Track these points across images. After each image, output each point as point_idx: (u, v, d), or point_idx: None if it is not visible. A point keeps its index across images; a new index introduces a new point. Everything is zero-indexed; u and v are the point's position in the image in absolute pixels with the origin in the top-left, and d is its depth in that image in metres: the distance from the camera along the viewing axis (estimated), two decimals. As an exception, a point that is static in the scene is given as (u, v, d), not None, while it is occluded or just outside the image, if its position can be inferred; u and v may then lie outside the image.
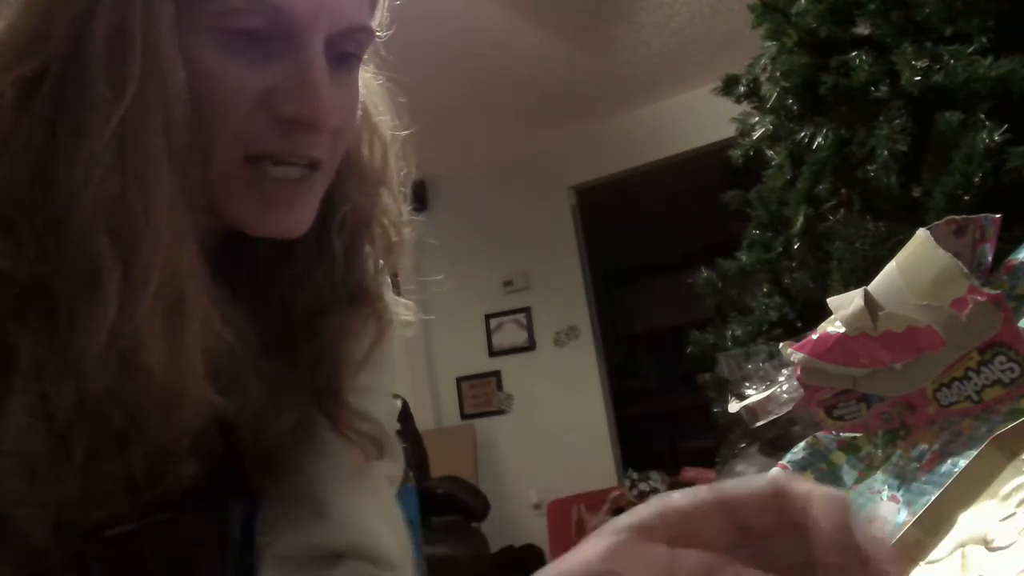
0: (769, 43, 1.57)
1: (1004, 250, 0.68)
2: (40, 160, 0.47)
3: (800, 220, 1.45)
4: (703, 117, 3.49)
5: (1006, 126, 1.15)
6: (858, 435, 0.68)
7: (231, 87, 0.50)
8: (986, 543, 0.44)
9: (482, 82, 3.94)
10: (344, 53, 0.54)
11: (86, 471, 0.48)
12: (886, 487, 0.63)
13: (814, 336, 0.67)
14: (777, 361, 0.86)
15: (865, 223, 1.30)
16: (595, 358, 4.75)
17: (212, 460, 0.54)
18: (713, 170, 2.58)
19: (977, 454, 0.48)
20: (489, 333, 4.99)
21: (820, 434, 0.70)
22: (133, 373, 0.47)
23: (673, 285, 4.33)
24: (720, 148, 2.03)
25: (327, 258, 0.60)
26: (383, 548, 0.58)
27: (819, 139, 1.40)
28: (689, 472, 3.07)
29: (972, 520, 0.46)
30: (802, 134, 1.44)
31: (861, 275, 1.22)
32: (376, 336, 0.62)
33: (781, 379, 0.83)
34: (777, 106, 1.52)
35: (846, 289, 0.77)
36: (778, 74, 1.49)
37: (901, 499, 0.61)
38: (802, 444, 0.69)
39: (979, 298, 0.57)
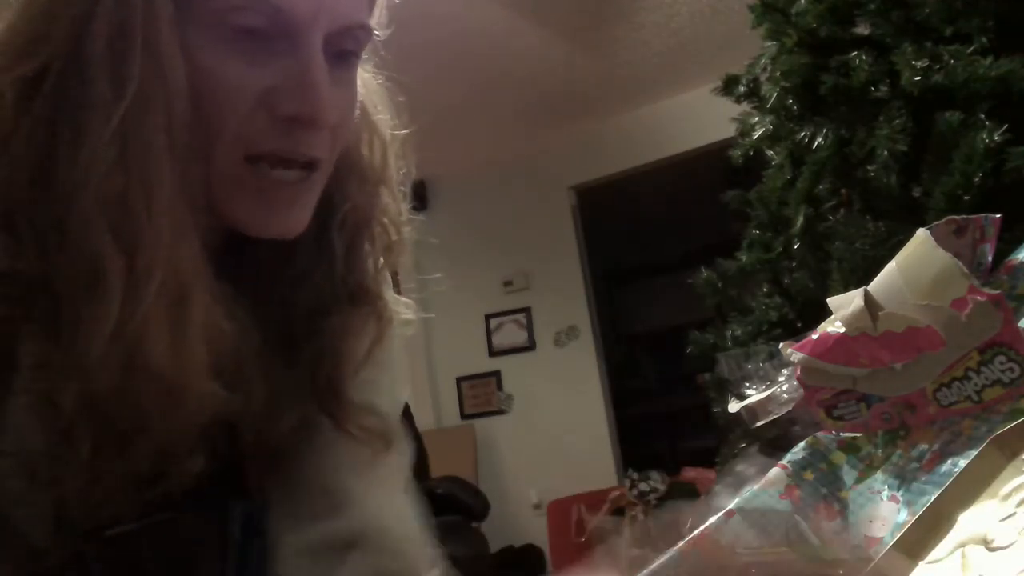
0: (769, 43, 1.57)
1: (1004, 250, 0.68)
2: (41, 160, 0.47)
3: (800, 220, 1.45)
4: (703, 117, 3.49)
5: (1006, 126, 1.15)
6: (858, 435, 0.68)
7: (232, 86, 0.50)
8: (986, 543, 0.44)
9: (482, 82, 3.94)
10: (343, 51, 0.54)
11: (90, 469, 0.48)
12: (886, 487, 0.63)
13: (814, 336, 0.67)
14: (777, 361, 0.86)
15: (865, 223, 1.30)
16: (595, 358, 4.75)
17: (215, 459, 0.54)
18: (713, 170, 2.58)
19: (977, 454, 0.48)
20: (489, 333, 4.99)
21: (820, 434, 0.70)
22: (137, 369, 0.47)
23: (673, 285, 4.33)
24: (720, 148, 2.04)
25: (327, 258, 0.60)
26: (397, 535, 0.59)
27: (819, 139, 1.41)
28: (689, 472, 3.06)
29: (972, 520, 0.46)
30: (802, 134, 1.44)
31: (861, 275, 1.22)
32: (377, 335, 0.62)
33: (781, 379, 0.83)
34: (777, 106, 1.52)
35: (846, 289, 0.77)
36: (778, 74, 1.50)
37: (901, 499, 0.61)
38: (802, 444, 0.69)
39: (979, 298, 0.57)
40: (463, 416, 4.99)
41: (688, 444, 5.39)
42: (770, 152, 1.60)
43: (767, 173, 1.62)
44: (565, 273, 4.82)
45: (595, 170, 4.77)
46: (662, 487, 2.91)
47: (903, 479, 0.62)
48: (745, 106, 1.75)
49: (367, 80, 0.63)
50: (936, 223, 0.63)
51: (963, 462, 0.54)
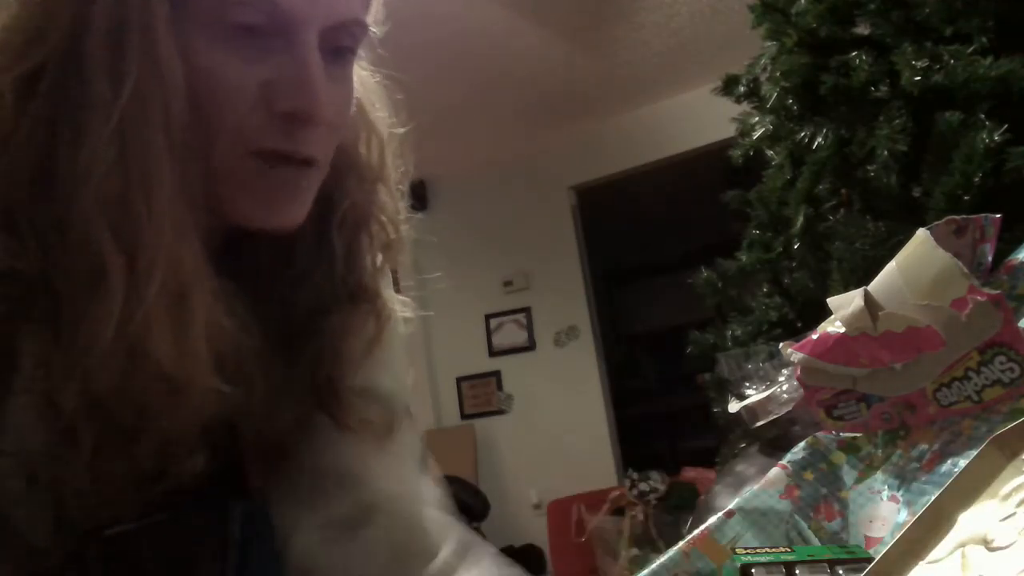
0: (769, 43, 1.57)
1: (1004, 250, 0.68)
2: (41, 159, 0.48)
3: (800, 220, 1.45)
4: (703, 117, 3.49)
5: (1006, 126, 1.15)
6: (858, 435, 0.68)
7: (229, 83, 0.50)
8: (986, 543, 0.44)
9: (482, 82, 3.94)
10: (339, 47, 0.54)
11: (91, 469, 0.48)
12: (886, 487, 0.63)
13: (814, 336, 0.67)
14: (777, 361, 0.86)
15: (865, 223, 1.30)
16: (595, 358, 4.75)
17: (215, 458, 0.54)
18: (713, 170, 2.58)
19: (977, 454, 0.48)
20: (489, 333, 4.99)
21: (820, 434, 0.70)
22: (139, 368, 0.47)
23: (673, 285, 4.32)
24: (720, 148, 2.03)
25: (327, 256, 0.60)
26: (409, 507, 0.59)
27: (819, 139, 1.41)
28: (689, 472, 3.06)
29: (972, 520, 0.46)
30: (802, 134, 1.44)
31: (861, 275, 1.22)
32: (376, 333, 0.62)
33: (781, 379, 0.83)
34: (777, 106, 1.52)
35: (846, 289, 0.77)
36: (778, 74, 1.50)
37: (901, 499, 0.61)
38: (802, 444, 0.69)
39: (979, 298, 0.57)
40: (463, 416, 4.99)
41: (688, 444, 5.39)
42: (770, 152, 1.60)
43: (767, 173, 1.61)
44: (565, 273, 4.82)
45: (595, 170, 4.76)
46: (662, 487, 2.91)
47: (903, 479, 0.62)
48: (745, 106, 1.75)
49: (364, 78, 0.63)
50: (936, 223, 0.63)
51: (963, 462, 0.54)
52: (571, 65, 3.91)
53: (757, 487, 0.67)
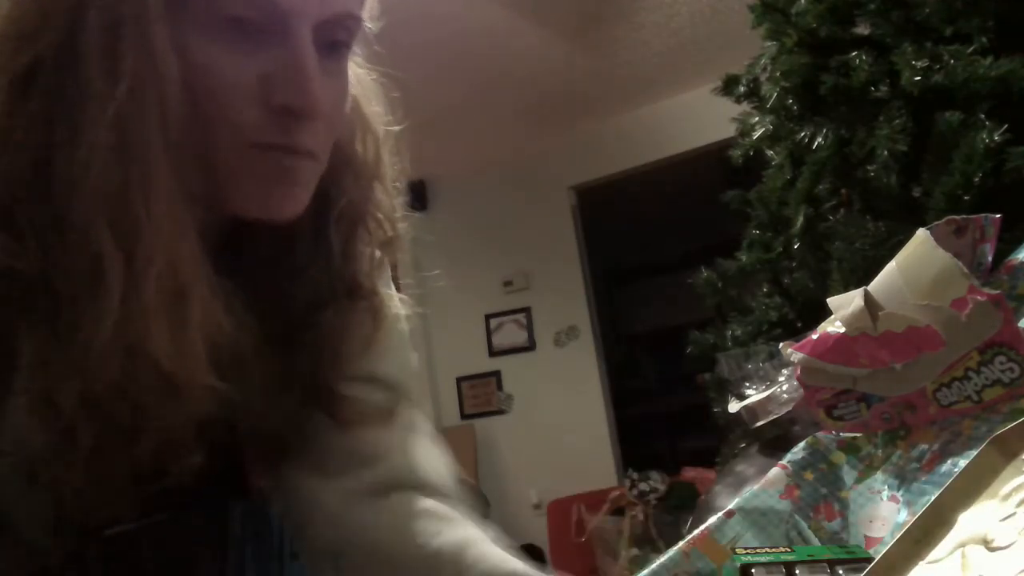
0: (769, 43, 1.57)
1: (1004, 250, 0.68)
2: (38, 156, 0.47)
3: (800, 220, 1.45)
4: (703, 117, 3.49)
5: (1006, 126, 1.15)
6: (858, 435, 0.68)
7: (224, 77, 0.50)
8: (986, 543, 0.44)
9: (482, 82, 3.94)
10: (334, 41, 0.54)
11: (90, 468, 0.48)
12: (886, 487, 0.63)
13: (814, 336, 0.67)
14: (777, 361, 0.86)
15: (865, 223, 1.30)
16: (595, 358, 4.75)
17: (214, 457, 0.54)
18: (713, 170, 2.58)
19: (977, 454, 0.48)
20: (489, 333, 4.99)
21: (820, 434, 0.70)
22: (138, 363, 0.47)
23: (673, 285, 4.32)
24: (720, 148, 2.03)
25: (324, 252, 0.60)
26: (432, 478, 0.59)
27: (819, 139, 1.40)
28: (689, 472, 3.06)
29: (972, 520, 0.46)
30: (802, 134, 1.44)
31: (861, 275, 1.22)
32: (373, 330, 0.62)
33: (781, 379, 0.83)
34: (777, 106, 1.52)
35: (846, 289, 0.77)
36: (778, 74, 1.49)
37: (901, 499, 0.61)
38: (802, 444, 0.69)
39: (979, 298, 0.57)
40: (463, 416, 4.98)
41: (688, 444, 5.38)
42: (770, 152, 1.60)
43: (767, 173, 1.61)
44: (565, 273, 4.81)
45: (595, 170, 4.76)
46: (662, 487, 2.91)
47: (903, 479, 0.62)
48: (745, 106, 1.74)
49: (360, 76, 0.63)
50: (936, 223, 0.64)
51: (963, 462, 0.54)
52: (571, 65, 3.91)
53: (757, 487, 0.67)
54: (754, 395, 0.85)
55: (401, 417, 0.62)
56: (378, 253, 0.65)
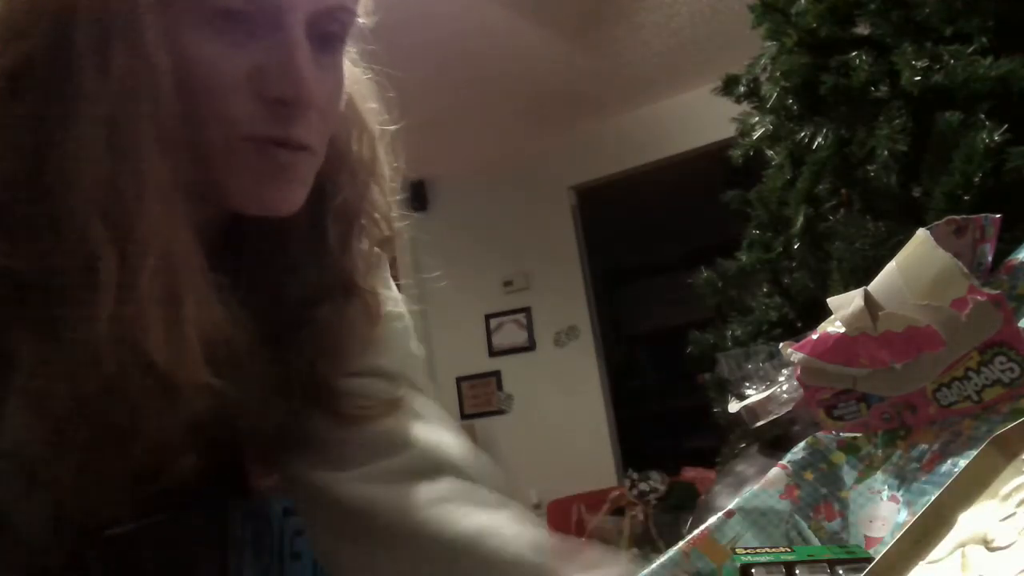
0: (769, 43, 1.57)
1: (1004, 250, 0.68)
2: (31, 153, 0.47)
3: (800, 220, 1.45)
4: (703, 117, 3.49)
5: (1006, 126, 1.15)
6: (858, 435, 0.68)
7: (217, 70, 0.50)
8: (986, 543, 0.44)
9: (482, 82, 3.94)
10: (327, 33, 0.54)
11: (88, 467, 0.48)
12: (886, 487, 0.63)
13: (814, 336, 0.67)
14: (777, 361, 0.86)
15: (865, 223, 1.30)
16: (595, 358, 4.75)
17: (213, 455, 0.53)
18: (713, 170, 2.57)
19: (977, 454, 0.48)
20: (489, 333, 4.99)
21: (820, 434, 0.70)
22: (133, 361, 0.47)
23: (673, 285, 4.32)
24: (720, 148, 2.03)
25: (320, 250, 0.60)
26: (448, 458, 0.59)
27: (819, 139, 1.40)
28: (689, 472, 3.07)
29: (972, 520, 0.46)
30: (802, 134, 1.44)
31: (861, 275, 1.21)
32: (368, 328, 0.62)
33: (781, 379, 0.83)
34: (777, 106, 1.52)
35: (846, 289, 0.77)
36: (778, 74, 1.49)
37: (901, 499, 0.61)
38: (802, 444, 0.69)
39: (979, 298, 0.57)
40: (463, 416, 4.98)
41: (688, 444, 5.38)
42: (770, 152, 1.60)
43: (767, 173, 1.61)
44: (565, 273, 4.81)
45: (595, 170, 4.76)
46: (662, 487, 2.91)
47: (903, 479, 0.62)
48: (745, 106, 1.74)
49: (356, 75, 0.63)
50: (936, 223, 0.64)
51: (963, 462, 0.54)
52: (571, 65, 3.91)
53: (757, 487, 0.67)
54: (754, 395, 0.85)
55: (407, 405, 0.62)
56: (375, 251, 0.65)
